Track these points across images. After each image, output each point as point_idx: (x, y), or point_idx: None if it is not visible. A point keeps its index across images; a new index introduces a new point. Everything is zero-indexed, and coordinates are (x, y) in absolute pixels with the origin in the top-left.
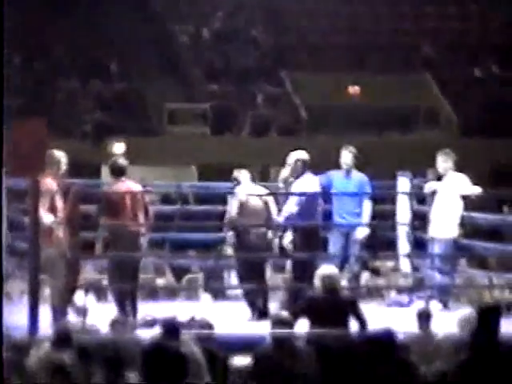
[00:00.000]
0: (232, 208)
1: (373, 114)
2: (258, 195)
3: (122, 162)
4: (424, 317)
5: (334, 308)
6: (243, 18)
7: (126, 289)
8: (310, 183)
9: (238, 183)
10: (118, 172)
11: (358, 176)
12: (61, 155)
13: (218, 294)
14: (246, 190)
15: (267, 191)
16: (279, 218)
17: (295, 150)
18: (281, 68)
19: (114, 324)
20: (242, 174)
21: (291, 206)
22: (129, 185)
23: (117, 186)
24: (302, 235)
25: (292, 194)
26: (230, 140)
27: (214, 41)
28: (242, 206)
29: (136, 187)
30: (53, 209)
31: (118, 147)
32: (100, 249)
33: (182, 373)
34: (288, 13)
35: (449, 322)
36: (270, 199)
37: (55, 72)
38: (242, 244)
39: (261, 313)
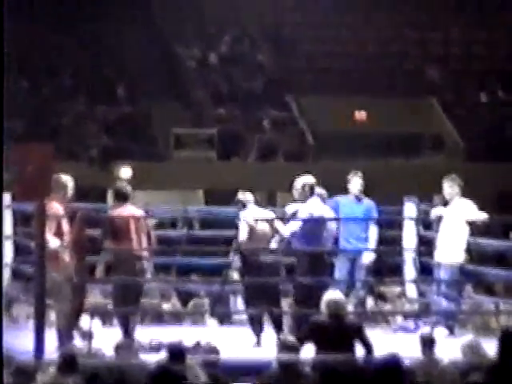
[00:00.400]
0: (242, 232)
1: (379, 139)
2: (266, 219)
3: (127, 187)
4: (428, 343)
5: (339, 333)
6: (249, 42)
7: (131, 313)
8: (316, 207)
9: (243, 206)
10: (122, 197)
11: (366, 201)
12: (68, 179)
13: (224, 318)
14: (254, 214)
15: (274, 215)
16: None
17: (302, 174)
18: (287, 92)
19: (119, 348)
20: (247, 196)
21: (294, 227)
22: (131, 210)
23: (119, 210)
24: (307, 260)
25: (299, 218)
26: (237, 165)
27: (221, 65)
28: (251, 231)
29: (138, 212)
30: (59, 233)
31: (125, 172)
32: (101, 273)
33: None
34: (294, 37)
35: (454, 348)
36: (279, 224)
37: (61, 96)
38: (250, 268)
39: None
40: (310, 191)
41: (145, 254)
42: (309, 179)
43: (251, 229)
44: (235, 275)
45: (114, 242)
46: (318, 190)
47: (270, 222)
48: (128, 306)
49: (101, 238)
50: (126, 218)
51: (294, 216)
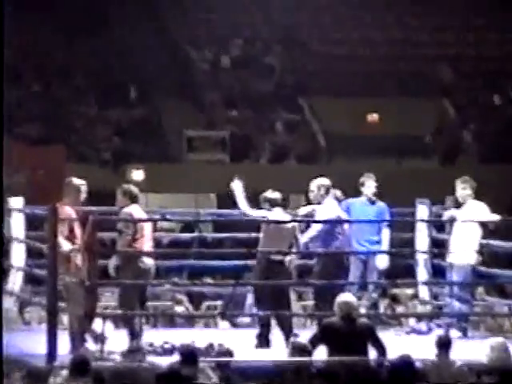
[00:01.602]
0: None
1: (391, 141)
2: (284, 222)
3: (133, 188)
4: (444, 344)
5: (351, 335)
6: (261, 44)
7: (139, 315)
8: (332, 209)
9: (272, 206)
10: (131, 198)
11: (379, 204)
12: (80, 183)
13: (237, 321)
14: (278, 216)
15: (291, 217)
16: (301, 242)
17: (314, 176)
18: (299, 95)
19: (131, 351)
20: (276, 196)
21: (313, 232)
22: (138, 210)
23: (130, 211)
24: (324, 261)
25: (316, 220)
26: (249, 167)
27: (233, 68)
28: (272, 232)
29: (143, 214)
30: (71, 236)
31: (137, 174)
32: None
33: None
34: (306, 40)
35: (467, 350)
36: (296, 226)
37: (74, 99)
38: (268, 271)
39: (287, 337)
40: (325, 193)
41: (149, 255)
42: (324, 181)
43: (272, 230)
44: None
45: (136, 245)
46: (334, 191)
47: (292, 227)
48: (133, 308)
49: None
50: (136, 218)
51: (308, 217)
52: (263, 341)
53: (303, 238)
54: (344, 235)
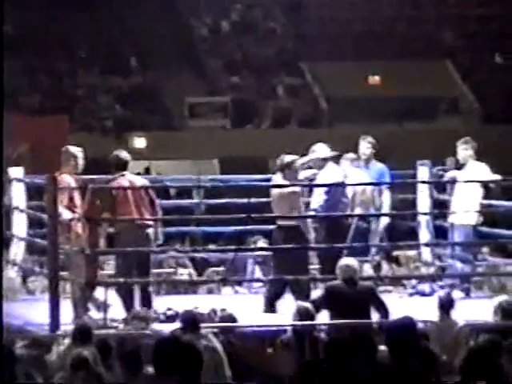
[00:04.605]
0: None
1: (393, 104)
2: (291, 185)
3: (125, 155)
4: (447, 304)
5: (353, 297)
6: (261, 9)
7: (142, 284)
8: (334, 173)
9: (289, 169)
10: (121, 165)
11: (377, 166)
12: (77, 150)
13: (239, 287)
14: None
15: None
16: (311, 210)
17: (316, 141)
18: (300, 59)
19: (134, 318)
20: (288, 160)
21: (319, 197)
22: (131, 179)
23: (118, 180)
24: (328, 226)
25: (318, 185)
26: (251, 132)
27: (234, 33)
28: (283, 198)
29: (139, 181)
30: (71, 205)
31: (139, 142)
32: (104, 244)
33: (195, 365)
34: (306, 3)
35: (470, 310)
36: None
37: (75, 68)
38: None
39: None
40: (323, 158)
41: (148, 223)
42: (327, 150)
43: (282, 196)
44: (260, 243)
45: (115, 212)
46: (348, 155)
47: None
48: (133, 276)
49: (100, 209)
50: (125, 187)
51: (311, 181)
52: (269, 306)
53: (312, 205)
54: (346, 200)
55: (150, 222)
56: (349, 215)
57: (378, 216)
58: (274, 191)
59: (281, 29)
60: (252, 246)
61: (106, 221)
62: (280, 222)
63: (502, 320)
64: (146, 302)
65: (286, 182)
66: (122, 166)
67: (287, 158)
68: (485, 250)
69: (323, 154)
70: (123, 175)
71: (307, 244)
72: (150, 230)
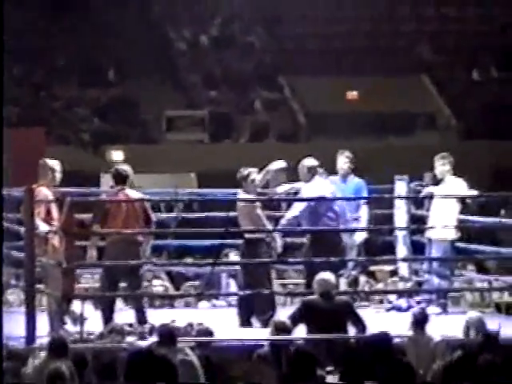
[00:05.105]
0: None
1: (371, 119)
2: (263, 200)
3: (126, 169)
4: (420, 320)
5: (330, 312)
6: (240, 24)
7: (119, 296)
8: (319, 187)
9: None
10: (121, 180)
11: (355, 181)
12: (55, 163)
13: (216, 301)
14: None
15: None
16: (282, 222)
17: (295, 155)
18: (279, 73)
19: (110, 332)
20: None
21: (293, 210)
22: (128, 193)
23: (116, 194)
24: (311, 241)
25: (297, 199)
26: (229, 146)
27: (212, 47)
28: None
29: (135, 195)
30: (48, 218)
31: (117, 155)
32: (93, 257)
33: (168, 379)
34: (285, 19)
35: (447, 325)
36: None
37: (53, 80)
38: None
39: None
40: (314, 173)
41: (141, 237)
42: (314, 162)
43: (241, 209)
44: (232, 256)
45: (109, 225)
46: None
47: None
48: (115, 290)
49: (90, 221)
50: (122, 201)
51: (289, 196)
52: (245, 320)
53: (285, 217)
54: (334, 214)
55: (140, 237)
56: (324, 230)
57: (355, 231)
58: (238, 205)
59: (260, 43)
60: (224, 260)
61: (82, 234)
62: (246, 236)
63: (473, 336)
64: (141, 317)
65: (246, 195)
66: (122, 180)
67: (243, 171)
68: (460, 265)
69: (275, 166)
70: (123, 189)
71: (271, 258)
72: (142, 246)
